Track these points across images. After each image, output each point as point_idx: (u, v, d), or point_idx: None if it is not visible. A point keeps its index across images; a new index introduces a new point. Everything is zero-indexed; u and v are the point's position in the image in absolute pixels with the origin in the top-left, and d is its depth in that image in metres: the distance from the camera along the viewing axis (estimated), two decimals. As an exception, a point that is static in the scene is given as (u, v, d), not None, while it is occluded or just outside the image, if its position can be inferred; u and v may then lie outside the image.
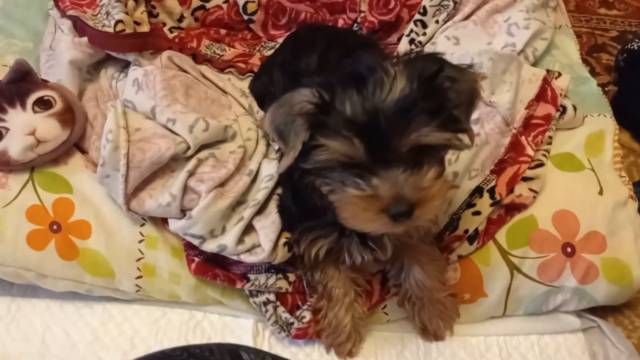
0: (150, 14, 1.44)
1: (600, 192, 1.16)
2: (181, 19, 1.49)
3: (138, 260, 1.10)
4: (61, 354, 1.10)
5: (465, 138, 0.86)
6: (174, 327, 1.14)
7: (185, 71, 1.25)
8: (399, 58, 0.84)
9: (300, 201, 0.98)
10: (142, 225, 1.11)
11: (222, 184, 1.08)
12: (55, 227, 1.10)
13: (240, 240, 1.05)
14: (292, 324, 1.09)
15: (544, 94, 1.23)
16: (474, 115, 1.14)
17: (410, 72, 0.80)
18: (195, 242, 1.06)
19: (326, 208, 0.89)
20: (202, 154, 1.11)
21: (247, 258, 1.05)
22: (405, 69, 0.80)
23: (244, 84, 1.34)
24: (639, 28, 1.87)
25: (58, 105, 1.13)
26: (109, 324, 1.13)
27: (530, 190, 1.13)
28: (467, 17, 1.42)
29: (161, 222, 1.11)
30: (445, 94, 0.81)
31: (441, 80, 0.81)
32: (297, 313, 1.11)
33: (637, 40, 1.60)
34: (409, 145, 0.79)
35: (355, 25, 1.47)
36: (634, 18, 1.92)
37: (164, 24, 1.48)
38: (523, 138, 1.17)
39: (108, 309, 1.15)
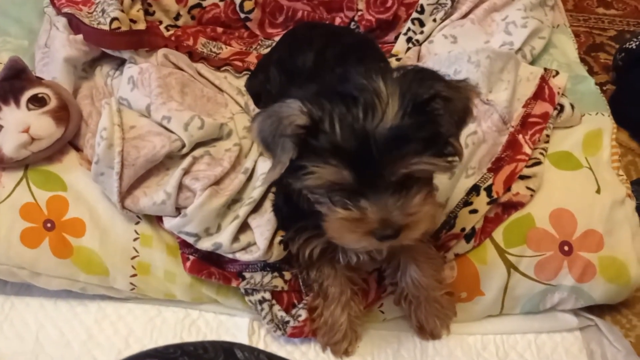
0: (147, 12, 1.44)
1: (598, 191, 1.15)
2: (177, 17, 1.49)
3: (133, 258, 1.10)
4: (55, 352, 1.09)
5: (454, 159, 0.84)
6: (169, 325, 1.13)
7: (181, 69, 1.24)
8: (392, 73, 0.81)
9: (291, 203, 0.97)
10: (137, 223, 1.11)
11: (217, 182, 1.07)
12: (49, 225, 1.09)
13: (235, 239, 1.05)
14: (287, 322, 1.09)
15: (542, 92, 1.23)
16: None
17: (403, 95, 0.77)
18: (190, 240, 1.05)
19: (314, 212, 0.88)
20: (198, 152, 1.10)
21: (243, 256, 1.05)
22: (398, 90, 0.77)
23: (240, 82, 1.33)
24: (637, 27, 1.87)
25: (52, 103, 1.12)
26: (104, 323, 1.13)
27: (528, 188, 1.12)
28: (464, 16, 1.41)
29: (156, 220, 1.11)
30: (438, 119, 0.79)
31: (435, 104, 0.79)
32: (293, 312, 1.10)
33: (635, 40, 1.60)
34: (400, 175, 0.78)
35: (353, 23, 1.47)
36: (632, 17, 1.92)
37: (160, 22, 1.47)
38: (520, 136, 1.17)
39: (102, 307, 1.14)
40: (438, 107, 0.79)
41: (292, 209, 0.98)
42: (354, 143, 0.76)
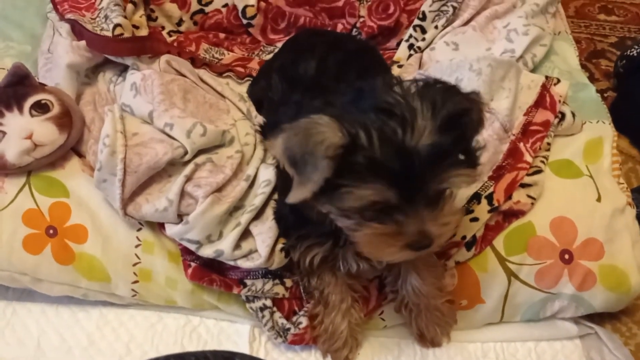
0: (149, 18, 1.45)
1: (599, 199, 1.15)
2: (180, 22, 1.49)
3: (134, 265, 1.10)
4: (56, 358, 1.09)
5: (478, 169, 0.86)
6: (170, 332, 1.13)
7: (183, 75, 1.24)
8: (415, 86, 0.81)
9: (297, 211, 0.97)
10: (139, 230, 1.11)
11: (219, 189, 1.08)
12: (51, 231, 1.09)
13: (237, 246, 1.05)
14: (288, 329, 1.09)
15: (543, 100, 1.23)
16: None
17: (435, 110, 0.77)
18: (192, 247, 1.05)
19: (321, 221, 0.88)
20: (200, 159, 1.10)
21: (244, 263, 1.05)
22: (428, 104, 0.77)
23: (243, 88, 1.34)
24: (638, 34, 1.87)
25: (55, 109, 1.12)
26: (105, 329, 1.13)
27: (528, 196, 1.13)
28: (466, 23, 1.42)
29: (158, 227, 1.11)
30: (466, 131, 0.81)
31: (463, 119, 0.80)
32: (294, 319, 1.10)
33: (636, 47, 1.61)
34: (440, 189, 0.80)
35: (355, 30, 1.48)
36: (633, 24, 1.92)
37: (163, 28, 1.48)
38: (521, 144, 1.17)
39: (104, 313, 1.14)
40: (465, 122, 0.80)
41: (297, 217, 0.98)
42: (397, 161, 0.75)
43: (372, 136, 0.75)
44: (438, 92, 0.81)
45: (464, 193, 1.12)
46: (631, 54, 1.60)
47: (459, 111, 0.79)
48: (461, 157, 0.81)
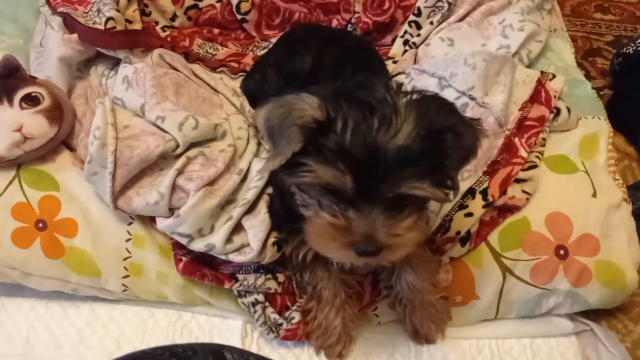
0: (143, 13, 1.44)
1: (594, 195, 1.15)
2: (174, 17, 1.48)
3: (125, 259, 1.09)
4: (46, 354, 1.08)
5: (450, 192, 0.84)
6: (161, 327, 1.12)
7: (176, 69, 1.24)
8: (411, 95, 0.81)
9: (285, 204, 0.96)
10: (130, 223, 1.10)
11: (211, 183, 1.07)
12: (40, 225, 1.08)
13: (229, 240, 1.04)
14: (281, 325, 1.08)
15: (538, 95, 1.22)
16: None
17: (419, 118, 0.77)
18: (183, 241, 1.04)
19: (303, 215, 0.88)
20: (192, 152, 1.10)
21: (236, 257, 1.04)
22: (415, 112, 0.77)
23: (236, 84, 1.33)
24: (634, 33, 1.87)
25: (46, 102, 1.11)
26: (95, 325, 1.11)
27: (523, 192, 1.12)
28: (461, 19, 1.42)
29: (149, 220, 1.10)
30: (447, 151, 0.79)
31: (448, 137, 0.79)
32: (286, 314, 1.09)
33: (632, 45, 1.60)
34: (397, 194, 0.78)
35: (350, 25, 1.47)
36: (629, 23, 1.92)
37: (157, 23, 1.47)
38: (516, 139, 1.17)
39: (94, 309, 1.13)
40: (449, 140, 0.79)
41: (286, 210, 0.98)
42: (363, 152, 0.75)
43: (347, 125, 0.76)
44: (432, 104, 0.81)
45: (458, 187, 1.11)
46: (627, 51, 1.59)
47: (444, 127, 0.79)
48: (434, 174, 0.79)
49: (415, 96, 0.81)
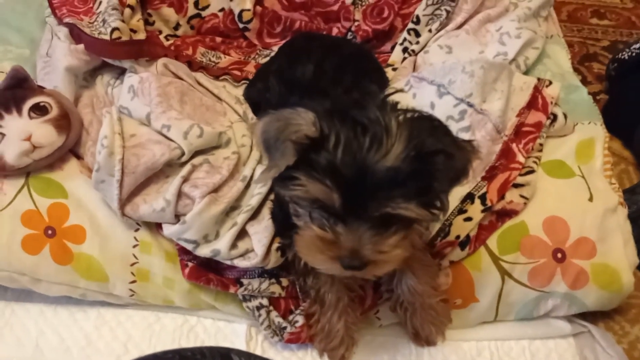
0: (147, 22, 1.46)
1: (591, 199, 1.17)
2: (177, 27, 1.50)
3: (132, 265, 1.11)
4: (54, 358, 1.10)
5: (438, 212, 0.85)
6: (167, 332, 1.14)
7: (180, 78, 1.26)
8: (405, 112, 0.83)
9: (284, 211, 0.98)
10: (137, 230, 1.12)
11: (216, 190, 1.09)
12: (50, 231, 1.10)
13: (233, 245, 1.06)
14: (284, 328, 1.10)
15: (535, 101, 1.24)
16: (465, 123, 1.17)
17: (410, 139, 0.79)
18: (189, 247, 1.06)
19: None
20: (197, 160, 1.12)
21: (241, 263, 1.06)
22: (407, 133, 0.79)
23: (239, 91, 1.35)
24: (630, 38, 1.89)
25: (54, 111, 1.14)
26: (103, 329, 1.13)
27: (521, 196, 1.14)
28: (459, 27, 1.44)
29: (155, 227, 1.12)
30: (435, 172, 0.80)
31: (438, 159, 0.80)
32: (290, 318, 1.11)
33: (627, 50, 1.62)
34: (383, 213, 0.79)
35: (350, 34, 1.49)
36: (625, 28, 1.94)
37: (160, 32, 1.49)
38: (514, 145, 1.19)
39: (102, 313, 1.15)
40: (439, 162, 0.80)
41: (285, 217, 1.00)
42: (352, 170, 0.77)
43: (339, 143, 0.78)
44: (424, 126, 0.82)
45: (457, 193, 1.13)
46: (623, 57, 1.61)
47: (435, 150, 0.80)
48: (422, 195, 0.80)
49: (409, 115, 0.83)
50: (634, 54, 1.58)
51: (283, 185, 0.83)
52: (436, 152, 0.80)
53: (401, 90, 1.25)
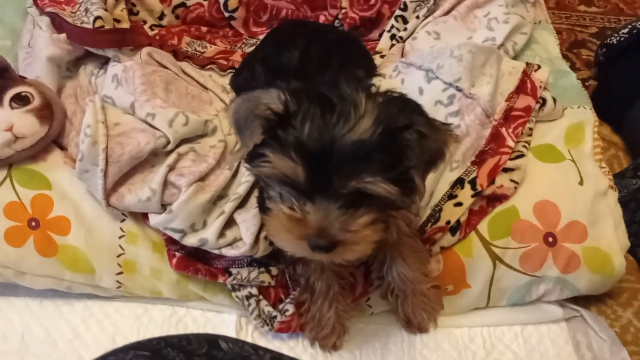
0: (131, 12, 1.44)
1: (581, 182, 1.16)
2: (162, 16, 1.49)
3: (118, 256, 1.09)
4: (41, 352, 1.08)
5: (413, 197, 0.84)
6: (156, 323, 1.13)
7: (165, 67, 1.24)
8: (378, 94, 0.82)
9: (262, 196, 0.97)
10: (123, 220, 1.10)
11: (202, 178, 1.08)
12: (33, 223, 1.08)
13: (221, 234, 1.05)
14: (275, 317, 1.09)
15: (524, 86, 1.24)
16: (454, 108, 1.16)
17: (379, 115, 0.78)
18: (176, 236, 1.05)
19: None
20: (182, 149, 1.10)
21: (229, 252, 1.05)
22: (376, 109, 0.78)
23: (225, 81, 1.33)
24: (618, 24, 1.89)
25: (36, 101, 1.12)
26: (90, 321, 1.12)
27: (511, 181, 1.13)
28: (447, 13, 1.43)
29: (142, 217, 1.10)
30: (406, 149, 0.79)
31: (408, 135, 0.79)
32: (280, 307, 1.10)
33: (616, 35, 1.62)
34: (350, 189, 0.78)
35: (337, 21, 1.48)
36: (613, 15, 1.94)
37: (145, 22, 1.47)
38: (503, 129, 1.18)
39: (89, 306, 1.14)
40: (409, 139, 0.79)
41: (263, 202, 0.98)
42: (317, 145, 0.76)
43: (306, 119, 0.77)
44: (396, 103, 0.82)
45: (447, 178, 1.13)
46: (611, 42, 1.61)
47: (403, 125, 0.79)
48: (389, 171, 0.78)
49: (381, 98, 0.82)
50: (622, 39, 1.58)
51: (253, 164, 0.82)
52: (405, 128, 0.79)
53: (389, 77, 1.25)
